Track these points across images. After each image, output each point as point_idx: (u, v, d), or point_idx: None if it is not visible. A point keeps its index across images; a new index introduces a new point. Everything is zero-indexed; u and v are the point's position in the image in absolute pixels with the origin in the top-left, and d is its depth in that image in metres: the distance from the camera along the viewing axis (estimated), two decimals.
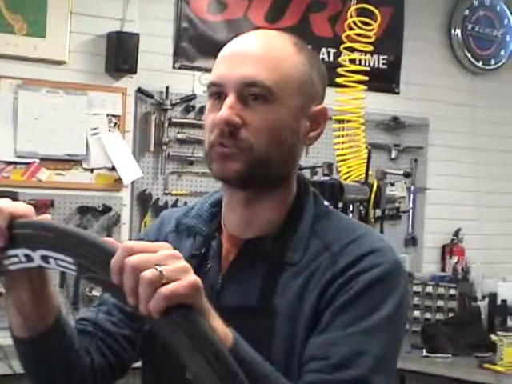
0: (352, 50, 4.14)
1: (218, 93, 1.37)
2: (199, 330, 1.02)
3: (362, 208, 3.86)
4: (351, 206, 3.84)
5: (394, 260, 1.35)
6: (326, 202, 1.48)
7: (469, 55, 5.78)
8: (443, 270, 5.51)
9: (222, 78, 1.36)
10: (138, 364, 1.50)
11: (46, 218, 1.15)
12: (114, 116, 4.42)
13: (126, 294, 1.02)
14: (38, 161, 4.24)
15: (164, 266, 1.02)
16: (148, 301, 1.01)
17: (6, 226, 1.12)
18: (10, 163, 4.19)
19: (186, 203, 4.60)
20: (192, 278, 1.04)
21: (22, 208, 1.15)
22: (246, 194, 1.40)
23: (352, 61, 4.22)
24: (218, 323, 1.11)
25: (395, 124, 5.47)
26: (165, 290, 1.01)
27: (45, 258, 1.09)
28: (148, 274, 1.01)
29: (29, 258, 1.11)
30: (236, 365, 1.02)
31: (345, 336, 1.27)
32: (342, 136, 4.15)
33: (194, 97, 4.75)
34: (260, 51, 1.36)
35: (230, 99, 1.33)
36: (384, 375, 1.29)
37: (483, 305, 4.70)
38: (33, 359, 1.33)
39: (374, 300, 1.30)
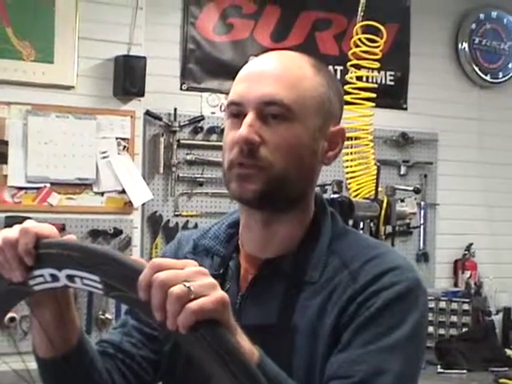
0: (359, 67, 4.15)
1: (237, 112, 1.38)
2: (227, 344, 1.02)
3: (372, 225, 3.85)
4: (362, 224, 3.84)
5: (414, 278, 1.35)
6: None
7: (476, 69, 5.78)
8: (456, 285, 5.48)
9: (242, 97, 1.37)
10: None
11: (71, 238, 1.16)
12: (122, 139, 4.43)
13: (154, 310, 1.03)
14: (48, 185, 4.26)
15: (192, 282, 1.03)
16: (176, 316, 1.02)
17: (32, 246, 1.13)
18: (21, 188, 4.20)
19: (196, 224, 4.62)
20: (219, 293, 1.05)
21: (47, 229, 1.16)
22: (264, 215, 1.41)
23: (359, 78, 4.22)
24: (244, 340, 1.11)
25: (404, 140, 5.47)
26: (193, 305, 1.01)
27: (71, 278, 1.10)
28: (177, 289, 1.02)
29: (54, 278, 1.12)
30: (264, 379, 1.03)
31: (366, 354, 1.27)
32: (351, 153, 4.15)
33: (202, 118, 4.77)
34: (279, 71, 1.38)
35: (250, 117, 1.35)
36: None
37: (497, 319, 4.69)
38: (56, 380, 1.34)
39: (395, 317, 1.30)
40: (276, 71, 1.38)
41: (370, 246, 1.40)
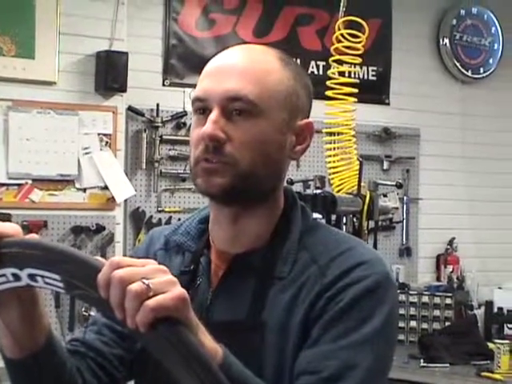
0: (341, 62, 4.15)
1: (202, 108, 1.37)
2: (187, 342, 1.01)
3: (355, 220, 3.86)
4: (344, 219, 3.84)
5: (383, 272, 1.34)
6: (314, 215, 1.48)
7: (458, 64, 5.80)
8: (438, 279, 5.51)
9: (206, 93, 1.36)
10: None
11: (32, 236, 1.15)
12: (105, 135, 4.42)
13: (114, 308, 1.02)
14: (30, 182, 4.24)
15: (151, 279, 1.03)
16: (135, 314, 1.01)
17: None
18: (2, 185, 4.18)
19: (179, 220, 4.60)
20: (179, 290, 1.04)
21: (8, 228, 1.14)
22: (232, 210, 1.40)
23: (341, 73, 4.22)
24: (206, 338, 1.11)
25: (386, 135, 5.48)
26: (151, 302, 1.01)
27: (32, 277, 1.09)
28: (135, 286, 1.01)
29: (16, 277, 1.10)
30: (225, 378, 1.02)
31: (335, 349, 1.27)
32: (334, 149, 4.15)
33: (184, 113, 4.76)
34: (244, 65, 1.36)
35: (214, 114, 1.33)
36: None
37: (479, 313, 4.70)
38: (24, 380, 1.32)
39: (364, 312, 1.29)
40: (241, 66, 1.36)
41: (339, 241, 1.39)
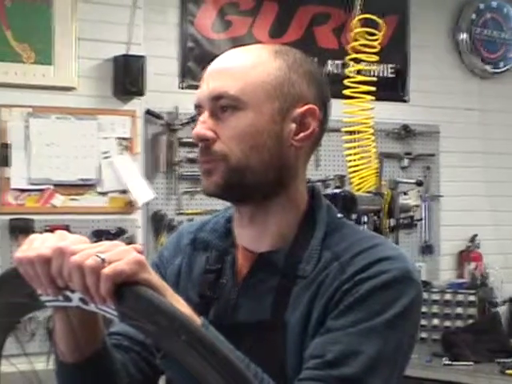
0: (358, 60, 4.14)
1: (199, 113, 1.40)
2: (151, 300, 1.01)
3: (376, 219, 3.85)
4: (365, 217, 3.84)
5: (403, 268, 1.32)
6: (340, 214, 1.47)
7: (477, 59, 5.77)
8: (461, 276, 5.48)
9: (199, 99, 1.40)
10: None
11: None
12: (124, 139, 4.43)
13: (84, 294, 1.04)
14: (51, 187, 4.26)
15: (105, 253, 1.04)
16: (97, 288, 1.02)
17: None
18: (24, 190, 4.21)
19: None
20: (133, 255, 1.05)
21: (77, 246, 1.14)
22: (247, 208, 1.41)
23: (359, 71, 4.22)
24: (180, 304, 1.09)
25: (405, 132, 5.46)
26: (107, 269, 1.02)
27: (83, 300, 1.08)
28: (89, 261, 1.02)
29: (67, 298, 1.10)
30: (208, 335, 1.01)
31: (342, 335, 1.26)
32: (353, 147, 4.15)
33: None
34: (227, 65, 1.39)
35: (204, 115, 1.38)
36: (380, 378, 1.27)
37: (503, 310, 4.68)
38: None
39: (377, 305, 1.28)
40: (224, 66, 1.39)
41: (363, 239, 1.38)
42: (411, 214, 4.28)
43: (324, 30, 5.25)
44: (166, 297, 1.06)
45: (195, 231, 1.52)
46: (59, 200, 4.28)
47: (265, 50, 1.41)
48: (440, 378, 4.10)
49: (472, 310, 4.62)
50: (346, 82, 4.07)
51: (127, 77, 4.37)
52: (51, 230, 4.06)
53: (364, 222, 3.83)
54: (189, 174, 4.76)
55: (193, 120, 4.75)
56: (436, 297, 4.68)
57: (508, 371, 3.98)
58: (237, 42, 4.85)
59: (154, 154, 4.70)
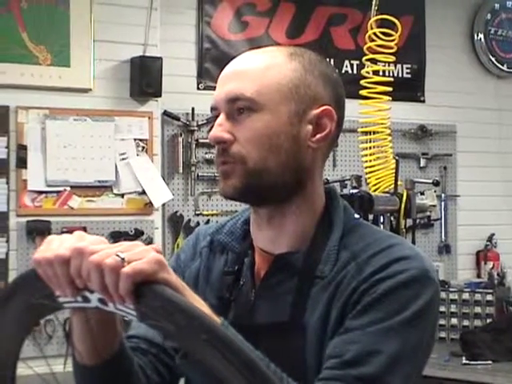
0: (375, 61, 4.14)
1: (216, 115, 1.40)
2: (170, 298, 1.00)
3: (392, 219, 3.84)
4: (382, 218, 3.83)
5: (421, 267, 1.32)
6: (356, 215, 1.47)
7: (493, 59, 5.76)
8: (479, 276, 5.47)
9: (215, 101, 1.40)
10: None
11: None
12: (141, 140, 4.45)
13: (100, 294, 1.03)
14: (68, 189, 4.28)
15: (125, 253, 1.04)
16: (116, 288, 1.01)
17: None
18: (41, 192, 4.23)
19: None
20: (153, 254, 1.05)
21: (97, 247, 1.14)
22: (264, 210, 1.41)
23: (375, 72, 4.21)
24: (199, 304, 1.08)
25: (422, 132, 5.45)
26: (127, 268, 1.01)
27: (102, 301, 1.08)
28: (109, 260, 1.02)
29: (86, 299, 1.10)
30: (228, 334, 1.00)
31: (360, 335, 1.26)
32: (370, 148, 4.14)
33: None
34: (243, 67, 1.39)
35: (220, 118, 1.38)
36: (399, 377, 1.26)
37: None
38: None
39: (395, 305, 1.28)
40: (240, 68, 1.39)
41: (381, 239, 1.38)
42: (428, 214, 4.27)
43: (341, 30, 5.25)
44: (185, 296, 1.05)
45: (212, 234, 1.52)
46: (76, 202, 4.30)
47: (280, 51, 1.41)
48: (459, 377, 4.08)
49: (490, 310, 4.60)
50: (362, 82, 4.07)
51: (144, 78, 4.38)
52: (68, 231, 4.10)
53: (381, 223, 3.82)
54: (206, 174, 4.77)
55: (209, 121, 4.76)
56: (454, 296, 4.67)
57: None
58: (253, 43, 4.86)
59: (172, 155, 4.72)
